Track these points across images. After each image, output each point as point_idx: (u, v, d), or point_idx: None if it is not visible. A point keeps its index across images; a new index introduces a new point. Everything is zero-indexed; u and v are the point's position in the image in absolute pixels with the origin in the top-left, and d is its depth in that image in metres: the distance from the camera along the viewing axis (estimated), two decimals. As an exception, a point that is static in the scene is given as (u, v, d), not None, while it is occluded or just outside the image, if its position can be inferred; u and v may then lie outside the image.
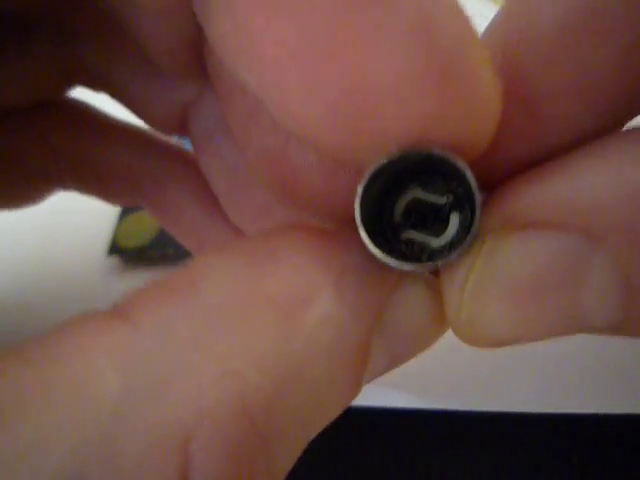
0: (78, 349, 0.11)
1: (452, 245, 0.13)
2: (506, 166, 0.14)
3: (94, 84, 0.22)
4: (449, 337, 0.15)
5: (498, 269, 0.13)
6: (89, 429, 0.10)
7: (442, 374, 0.26)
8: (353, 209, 0.13)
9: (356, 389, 0.14)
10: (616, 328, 0.12)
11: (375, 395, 0.25)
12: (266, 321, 0.12)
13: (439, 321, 0.14)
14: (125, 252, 0.35)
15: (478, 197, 0.12)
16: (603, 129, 0.13)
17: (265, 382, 0.12)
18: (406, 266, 0.13)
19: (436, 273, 0.14)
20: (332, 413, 0.13)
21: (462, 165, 0.12)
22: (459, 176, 0.12)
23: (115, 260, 0.35)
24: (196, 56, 0.17)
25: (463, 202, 0.13)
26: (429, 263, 0.13)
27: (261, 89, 0.13)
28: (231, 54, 0.13)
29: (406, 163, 0.12)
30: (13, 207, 0.24)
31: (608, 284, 0.12)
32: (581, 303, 0.12)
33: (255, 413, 0.11)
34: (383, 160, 0.12)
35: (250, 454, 0.11)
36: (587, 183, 0.12)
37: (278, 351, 0.12)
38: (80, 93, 0.23)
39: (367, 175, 0.12)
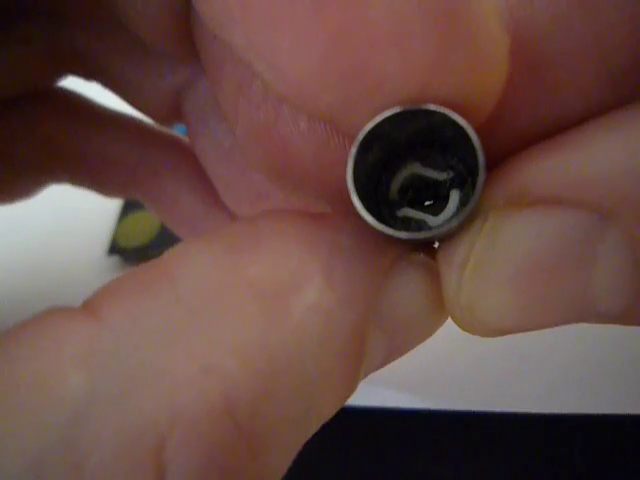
0: (39, 347, 0.11)
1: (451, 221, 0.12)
2: (511, 139, 0.13)
3: (86, 72, 0.21)
4: (449, 337, 0.15)
5: (502, 249, 0.12)
6: (49, 433, 0.10)
7: (442, 374, 0.26)
8: (346, 179, 0.12)
9: (352, 383, 0.13)
10: (622, 314, 0.12)
11: (374, 395, 0.25)
12: (249, 311, 0.11)
13: (438, 308, 0.13)
14: (125, 252, 0.35)
15: (481, 157, 0.11)
16: (620, 100, 0.12)
17: (249, 377, 0.11)
18: (402, 234, 0.12)
19: (433, 255, 0.13)
20: (328, 410, 0.13)
21: (465, 124, 0.11)
22: (460, 143, 0.12)
23: (115, 260, 0.35)
24: (185, 32, 0.16)
25: (464, 179, 0.13)
26: (427, 233, 0.12)
27: (251, 48, 0.12)
28: (219, 14, 0.12)
29: (404, 128, 0.12)
30: (5, 201, 0.24)
31: (619, 264, 0.11)
32: (590, 285, 0.11)
33: (239, 411, 0.11)
34: (379, 118, 0.11)
35: (235, 457, 0.11)
36: (599, 157, 0.11)
37: (263, 343, 0.11)
38: (72, 83, 0.23)
39: (361, 135, 0.12)
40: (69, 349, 0.10)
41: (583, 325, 0.13)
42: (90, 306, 0.11)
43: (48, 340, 0.11)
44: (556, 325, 0.12)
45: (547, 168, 0.12)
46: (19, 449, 0.10)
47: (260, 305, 0.12)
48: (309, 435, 0.13)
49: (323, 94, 0.12)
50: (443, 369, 0.26)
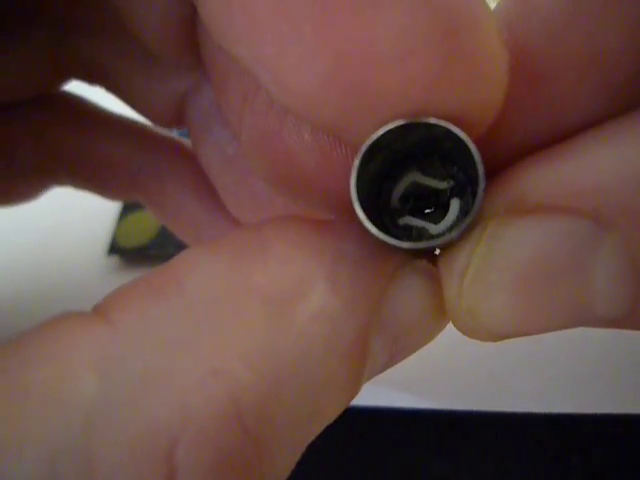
0: (52, 351, 0.11)
1: (452, 231, 0.13)
2: (510, 149, 0.13)
3: (90, 77, 0.21)
4: (449, 337, 0.15)
5: (501, 255, 0.12)
6: (62, 437, 0.10)
7: (442, 374, 0.26)
8: (349, 189, 0.12)
9: (356, 387, 0.13)
10: (622, 319, 0.12)
11: (375, 395, 0.25)
12: (256, 317, 0.12)
13: (439, 313, 0.14)
14: (125, 252, 0.35)
15: (481, 169, 0.12)
16: (616, 110, 0.12)
17: (256, 381, 0.11)
18: (404, 244, 0.12)
19: (434, 262, 0.14)
20: (331, 413, 0.13)
21: (465, 137, 0.12)
22: (461, 154, 0.12)
23: (115, 260, 0.35)
24: (190, 40, 0.16)
25: (464, 188, 0.13)
26: (428, 242, 0.12)
27: (256, 61, 0.12)
28: (225, 28, 0.12)
29: (406, 139, 0.12)
30: (7, 204, 0.24)
31: (617, 270, 0.11)
32: (589, 291, 0.12)
33: (246, 414, 0.11)
34: (382, 131, 0.12)
35: (242, 459, 0.11)
36: (597, 165, 0.11)
37: (269, 348, 0.11)
38: (76, 87, 0.23)
39: (364, 147, 0.12)
40: (81, 353, 0.11)
41: (583, 326, 0.13)
42: (101, 310, 0.12)
43: (60, 345, 0.11)
44: (555, 330, 0.12)
45: (545, 176, 0.12)
46: (32, 453, 0.10)
47: (266, 311, 0.12)
48: (313, 436, 0.13)
49: (327, 108, 0.12)
50: (443, 369, 0.26)
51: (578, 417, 0.23)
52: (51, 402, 0.10)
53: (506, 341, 0.14)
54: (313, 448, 0.13)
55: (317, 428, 0.13)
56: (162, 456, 0.10)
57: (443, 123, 0.11)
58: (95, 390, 0.10)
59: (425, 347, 0.15)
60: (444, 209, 0.13)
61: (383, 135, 0.12)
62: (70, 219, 0.38)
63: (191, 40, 0.16)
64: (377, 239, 0.12)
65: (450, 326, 0.14)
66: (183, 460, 0.10)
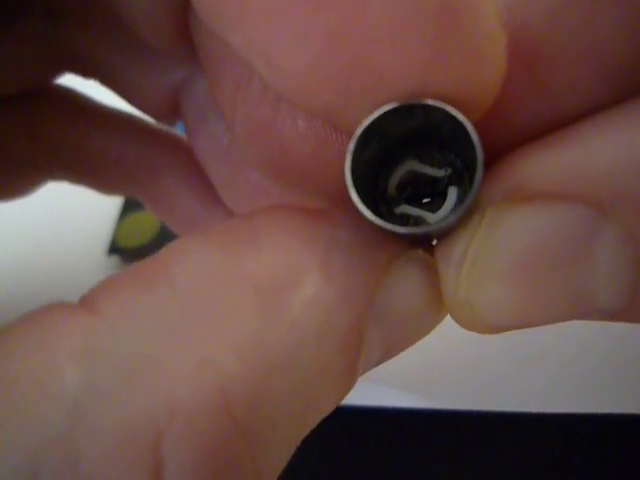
0: (37, 342, 0.11)
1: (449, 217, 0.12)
2: (509, 136, 0.13)
3: (84, 70, 0.21)
4: (450, 337, 0.15)
5: (500, 243, 0.12)
6: (45, 429, 0.10)
7: (442, 374, 0.26)
8: (344, 175, 0.12)
9: (351, 379, 0.13)
10: (621, 311, 0.12)
11: (374, 394, 0.25)
12: (247, 306, 0.11)
13: (436, 304, 0.13)
14: (125, 252, 0.35)
15: (480, 153, 0.11)
16: (617, 97, 0.12)
17: (247, 372, 0.11)
18: (400, 229, 0.12)
19: (431, 252, 0.13)
20: (326, 406, 0.13)
21: (463, 119, 0.11)
22: (458, 139, 0.12)
23: (115, 260, 0.35)
24: (183, 30, 0.16)
25: (462, 176, 0.13)
26: (424, 227, 0.12)
27: (249, 46, 0.12)
28: (217, 14, 0.12)
29: (402, 125, 0.12)
30: (2, 199, 0.24)
31: (618, 258, 0.11)
32: (589, 280, 0.11)
33: (236, 406, 0.11)
34: (377, 114, 0.11)
35: (232, 452, 0.11)
36: (597, 152, 0.11)
37: (261, 338, 0.11)
38: (70, 81, 0.23)
39: (359, 130, 0.12)
40: (65, 344, 0.10)
41: (583, 324, 0.13)
42: (87, 301, 0.11)
43: (45, 335, 0.11)
44: (554, 321, 0.12)
45: (545, 163, 0.12)
46: (15, 445, 0.10)
47: (258, 300, 0.11)
48: (308, 430, 0.12)
49: (321, 90, 0.11)
50: (443, 369, 0.26)
51: (578, 417, 0.23)
52: (34, 394, 0.10)
53: (506, 341, 0.14)
54: (312, 448, 0.13)
55: (311, 421, 0.12)
56: (148, 448, 0.10)
57: (440, 104, 0.11)
58: (79, 381, 0.10)
59: (425, 347, 0.14)
60: (442, 198, 0.13)
61: (378, 118, 0.12)
62: (70, 219, 0.38)
63: (184, 30, 0.16)
64: (373, 225, 0.12)
65: (451, 326, 0.14)
66: (170, 452, 0.10)
